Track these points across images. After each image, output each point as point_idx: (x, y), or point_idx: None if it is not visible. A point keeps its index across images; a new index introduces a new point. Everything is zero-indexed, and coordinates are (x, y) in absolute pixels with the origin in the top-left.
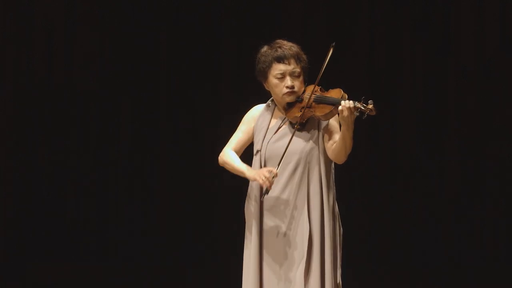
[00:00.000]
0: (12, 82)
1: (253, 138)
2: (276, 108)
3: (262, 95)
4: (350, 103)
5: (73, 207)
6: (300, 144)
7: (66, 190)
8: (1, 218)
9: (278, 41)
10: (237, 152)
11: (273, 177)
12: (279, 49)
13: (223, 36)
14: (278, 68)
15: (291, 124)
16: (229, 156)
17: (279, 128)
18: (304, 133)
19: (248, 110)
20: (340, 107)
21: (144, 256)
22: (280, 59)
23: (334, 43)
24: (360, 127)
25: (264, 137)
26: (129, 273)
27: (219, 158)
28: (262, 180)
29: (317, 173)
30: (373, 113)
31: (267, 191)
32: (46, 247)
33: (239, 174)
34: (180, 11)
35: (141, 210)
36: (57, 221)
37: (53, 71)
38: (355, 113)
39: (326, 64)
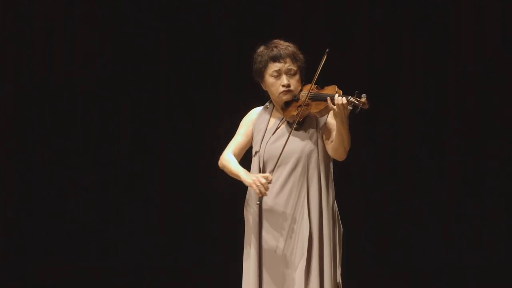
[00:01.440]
0: (12, 82)
1: (252, 141)
2: (274, 108)
3: (262, 95)
4: (343, 100)
5: (73, 207)
6: (298, 143)
7: (66, 190)
8: (1, 218)
9: (275, 41)
10: (237, 155)
11: (268, 183)
12: (275, 49)
13: (223, 36)
14: (274, 67)
15: (289, 124)
16: (227, 159)
17: (277, 128)
18: (302, 133)
19: (247, 112)
20: (330, 103)
21: (144, 256)
22: (276, 58)
23: (328, 50)
24: (360, 126)
25: (263, 138)
26: (129, 273)
27: (219, 162)
28: (257, 186)
29: (316, 172)
30: (366, 106)
31: (262, 198)
32: (46, 247)
33: (235, 177)
34: (180, 11)
35: (141, 210)
36: (57, 221)
37: (53, 71)
38: (348, 107)
39: (320, 70)
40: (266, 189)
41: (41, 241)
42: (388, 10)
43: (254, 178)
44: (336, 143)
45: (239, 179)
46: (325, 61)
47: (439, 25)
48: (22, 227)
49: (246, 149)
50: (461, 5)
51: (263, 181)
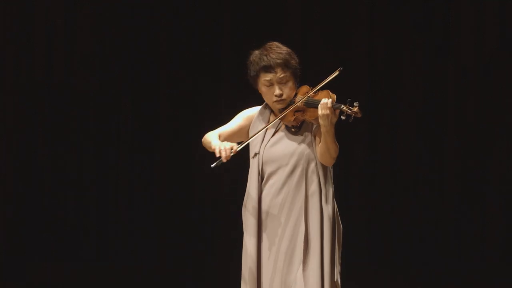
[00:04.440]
0: (12, 82)
1: (243, 136)
2: (272, 112)
3: (261, 96)
4: (328, 102)
5: (73, 207)
6: (296, 146)
7: (66, 190)
8: (1, 218)
9: (267, 46)
10: (222, 139)
11: (231, 153)
12: (265, 58)
13: (223, 36)
14: (266, 77)
15: (287, 128)
16: (210, 134)
17: (276, 131)
18: (299, 136)
19: (246, 108)
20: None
21: (144, 256)
22: (266, 69)
23: (341, 68)
24: (360, 126)
25: (263, 140)
26: (129, 273)
27: (203, 138)
28: (219, 150)
29: (315, 173)
30: (359, 115)
31: (220, 162)
32: (46, 247)
33: (208, 147)
34: (180, 11)
35: (141, 210)
36: (57, 221)
37: (53, 71)
38: (341, 117)
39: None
40: (227, 156)
41: (41, 241)
42: (388, 10)
43: (221, 143)
44: (322, 149)
45: (210, 147)
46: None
47: (439, 25)
48: (22, 227)
49: (233, 140)
50: (461, 5)
51: (228, 147)
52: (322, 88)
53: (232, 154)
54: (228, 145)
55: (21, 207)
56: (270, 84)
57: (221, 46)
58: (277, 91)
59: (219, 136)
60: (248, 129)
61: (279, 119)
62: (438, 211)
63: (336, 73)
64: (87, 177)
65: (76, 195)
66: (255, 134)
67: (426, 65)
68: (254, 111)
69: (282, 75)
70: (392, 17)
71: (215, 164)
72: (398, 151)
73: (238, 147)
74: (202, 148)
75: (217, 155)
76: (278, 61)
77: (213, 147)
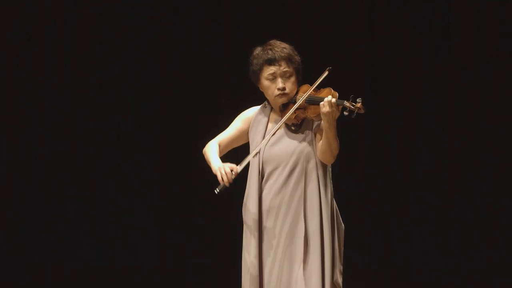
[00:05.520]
0: (12, 82)
1: (244, 139)
2: (272, 110)
3: (262, 95)
4: (332, 99)
5: (73, 207)
6: (296, 145)
7: (66, 190)
8: (1, 218)
9: (271, 42)
10: (223, 146)
11: (233, 176)
12: (270, 51)
13: (223, 36)
14: (269, 70)
15: (287, 126)
16: (210, 146)
17: (276, 131)
18: (299, 134)
19: (245, 109)
20: (321, 103)
21: (144, 256)
22: (270, 62)
23: (330, 67)
24: (360, 126)
25: (263, 139)
26: (129, 273)
27: (204, 148)
28: (221, 174)
29: (314, 172)
30: (362, 111)
31: (223, 187)
32: (46, 247)
33: (209, 164)
34: (180, 11)
35: (141, 210)
36: (57, 221)
37: (53, 71)
38: (344, 113)
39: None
40: (230, 180)
41: (41, 241)
42: (388, 10)
43: (221, 166)
44: (323, 147)
45: (210, 166)
46: (324, 76)
47: (439, 25)
48: (22, 227)
49: (235, 145)
50: (461, 5)
51: (228, 170)
52: (323, 86)
53: (234, 177)
54: (228, 168)
55: (21, 207)
56: (274, 77)
57: (221, 46)
58: (280, 84)
59: (219, 145)
60: (248, 131)
61: (284, 121)
62: (438, 211)
63: (326, 73)
64: (87, 177)
65: (76, 195)
66: (254, 152)
67: (426, 65)
68: (251, 112)
69: (285, 69)
70: (392, 17)
71: (218, 190)
72: (398, 151)
73: (239, 167)
74: (201, 148)
75: (220, 181)
76: (283, 55)
77: (213, 170)
